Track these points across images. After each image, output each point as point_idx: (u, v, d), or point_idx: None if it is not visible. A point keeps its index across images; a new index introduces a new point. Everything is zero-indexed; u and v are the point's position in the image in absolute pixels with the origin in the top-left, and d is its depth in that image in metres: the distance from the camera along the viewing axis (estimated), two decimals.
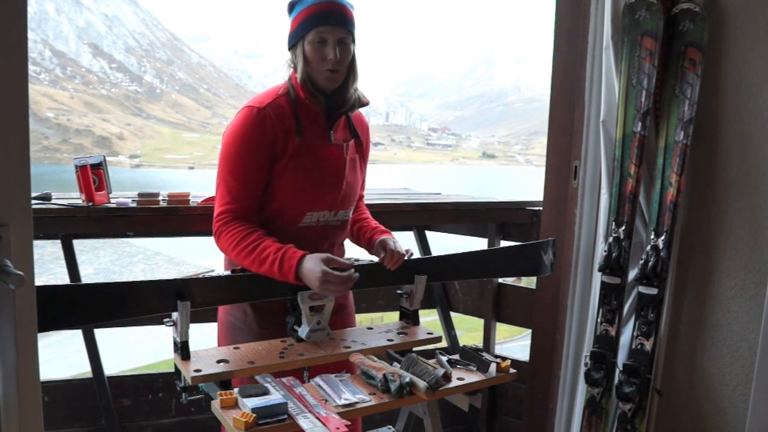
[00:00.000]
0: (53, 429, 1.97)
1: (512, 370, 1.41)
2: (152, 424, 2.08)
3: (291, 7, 1.52)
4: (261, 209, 1.52)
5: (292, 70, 1.53)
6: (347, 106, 1.55)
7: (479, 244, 2.44)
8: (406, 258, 1.56)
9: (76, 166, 1.77)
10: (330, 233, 1.59)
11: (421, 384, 1.24)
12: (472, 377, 1.37)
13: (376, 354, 1.42)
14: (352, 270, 1.40)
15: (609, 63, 1.77)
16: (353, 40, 1.52)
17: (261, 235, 1.43)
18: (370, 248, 1.65)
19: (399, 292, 1.64)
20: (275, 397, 1.16)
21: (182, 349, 1.30)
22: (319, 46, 1.46)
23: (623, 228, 1.74)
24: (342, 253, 1.66)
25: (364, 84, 1.75)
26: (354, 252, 1.69)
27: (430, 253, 2.45)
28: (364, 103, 1.61)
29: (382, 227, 1.69)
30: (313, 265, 1.36)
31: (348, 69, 1.53)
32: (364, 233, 1.68)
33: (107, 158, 1.90)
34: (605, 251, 1.77)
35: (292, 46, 1.52)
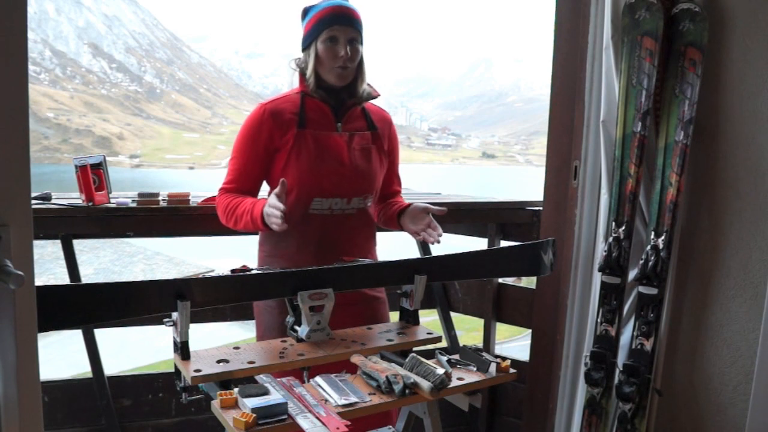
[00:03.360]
0: (53, 429, 1.97)
1: (512, 370, 1.40)
2: (152, 424, 2.08)
3: (305, 13, 1.67)
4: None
5: (298, 72, 1.68)
6: (355, 99, 1.69)
7: (479, 244, 2.44)
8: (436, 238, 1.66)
9: (76, 166, 1.77)
10: (346, 222, 1.67)
11: (426, 384, 1.24)
12: (472, 377, 1.37)
13: (377, 354, 1.42)
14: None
15: (609, 63, 1.77)
16: (361, 42, 1.65)
17: (237, 198, 1.63)
18: (397, 219, 1.77)
19: (399, 292, 1.64)
20: (275, 397, 1.16)
21: (182, 349, 1.30)
22: (331, 44, 1.60)
23: (623, 228, 1.74)
24: (369, 249, 1.75)
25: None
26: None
27: (430, 253, 2.45)
28: (374, 96, 1.74)
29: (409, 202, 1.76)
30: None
31: (357, 68, 1.66)
32: (390, 207, 1.79)
33: (107, 158, 1.90)
34: (605, 251, 1.77)
35: (305, 48, 1.66)
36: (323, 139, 1.64)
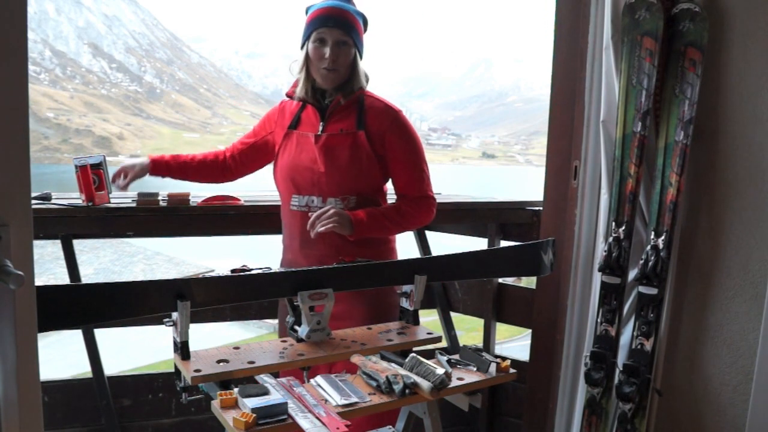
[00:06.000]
0: (53, 429, 1.97)
1: (512, 370, 1.41)
2: (152, 424, 2.08)
3: (306, 11, 1.71)
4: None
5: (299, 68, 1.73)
6: (340, 95, 1.68)
7: (479, 244, 2.44)
8: (324, 222, 1.61)
9: (76, 166, 1.77)
10: None
11: (426, 384, 1.24)
12: (472, 377, 1.37)
13: (377, 354, 1.42)
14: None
15: (609, 63, 1.77)
16: (355, 45, 1.66)
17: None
18: None
19: (399, 292, 1.64)
20: (275, 397, 1.16)
21: (182, 349, 1.30)
22: (319, 45, 1.65)
23: (623, 228, 1.74)
24: (350, 251, 1.67)
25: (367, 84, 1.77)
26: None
27: (430, 253, 2.45)
28: (353, 91, 1.69)
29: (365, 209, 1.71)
30: None
31: (351, 71, 1.68)
32: None
33: (107, 158, 1.90)
34: (605, 251, 1.77)
35: (302, 46, 1.71)
36: (302, 141, 1.71)
